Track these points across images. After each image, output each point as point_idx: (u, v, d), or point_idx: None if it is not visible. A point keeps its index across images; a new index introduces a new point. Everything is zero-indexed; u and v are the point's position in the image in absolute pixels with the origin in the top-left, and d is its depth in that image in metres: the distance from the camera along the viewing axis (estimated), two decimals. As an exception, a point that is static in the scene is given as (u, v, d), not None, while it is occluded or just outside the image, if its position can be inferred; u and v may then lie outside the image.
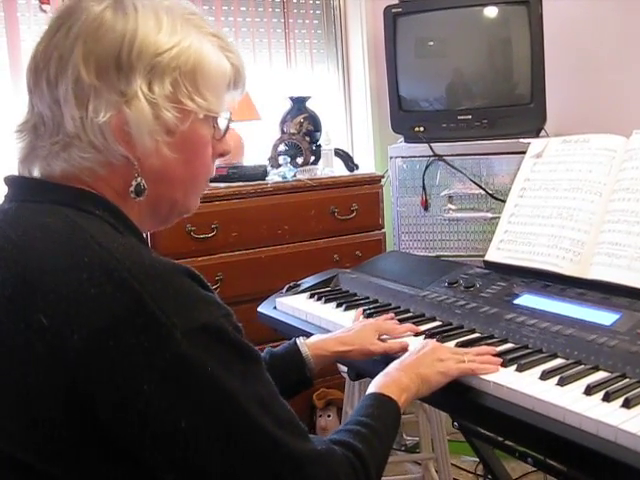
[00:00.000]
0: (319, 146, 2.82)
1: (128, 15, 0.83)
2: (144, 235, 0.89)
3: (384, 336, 1.31)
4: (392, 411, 1.03)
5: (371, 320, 1.38)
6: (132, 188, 0.85)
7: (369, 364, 1.29)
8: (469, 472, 2.59)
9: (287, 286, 1.74)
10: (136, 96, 0.82)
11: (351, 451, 0.88)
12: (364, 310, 1.48)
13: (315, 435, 0.88)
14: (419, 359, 1.14)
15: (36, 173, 0.87)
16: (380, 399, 1.04)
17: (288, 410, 0.82)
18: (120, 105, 0.82)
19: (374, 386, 1.07)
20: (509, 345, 1.24)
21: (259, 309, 1.69)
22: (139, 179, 0.85)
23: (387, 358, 1.25)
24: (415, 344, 1.27)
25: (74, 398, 0.71)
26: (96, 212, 0.82)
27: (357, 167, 2.84)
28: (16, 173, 0.89)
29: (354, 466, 0.87)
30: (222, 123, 0.94)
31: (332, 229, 2.62)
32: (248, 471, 0.76)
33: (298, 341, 1.28)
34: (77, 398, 0.71)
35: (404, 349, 1.25)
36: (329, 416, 2.64)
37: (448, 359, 1.14)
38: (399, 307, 1.51)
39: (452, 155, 2.40)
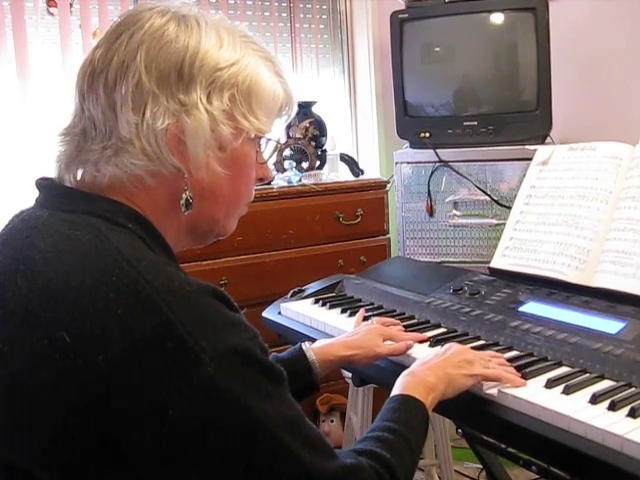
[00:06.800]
0: (324, 151, 2.82)
1: (191, 29, 0.85)
2: (175, 253, 0.87)
3: (388, 342, 1.31)
4: (419, 413, 0.99)
5: (375, 324, 1.37)
6: (183, 201, 0.85)
7: (374, 370, 1.29)
8: (472, 479, 2.58)
9: (292, 291, 1.74)
10: (196, 106, 0.83)
11: (378, 462, 0.86)
12: (366, 315, 1.48)
13: (340, 449, 0.86)
14: (446, 360, 1.11)
15: (81, 177, 0.85)
16: (406, 401, 1.00)
17: (314, 429, 0.81)
18: (180, 114, 0.82)
19: (399, 387, 1.04)
20: (514, 353, 1.25)
21: (264, 314, 1.69)
22: (188, 192, 0.85)
23: (391, 366, 1.25)
24: (421, 350, 1.27)
25: (94, 420, 0.69)
26: (129, 226, 0.80)
27: (362, 172, 2.84)
28: (47, 176, 0.88)
29: (383, 479, 0.85)
30: (266, 148, 0.95)
31: (337, 234, 2.62)
32: None
33: (304, 346, 1.27)
34: (98, 420, 0.69)
35: (410, 348, 1.25)
36: (332, 421, 2.64)
37: (475, 362, 1.12)
38: (404, 313, 1.51)
39: (458, 161, 2.40)
